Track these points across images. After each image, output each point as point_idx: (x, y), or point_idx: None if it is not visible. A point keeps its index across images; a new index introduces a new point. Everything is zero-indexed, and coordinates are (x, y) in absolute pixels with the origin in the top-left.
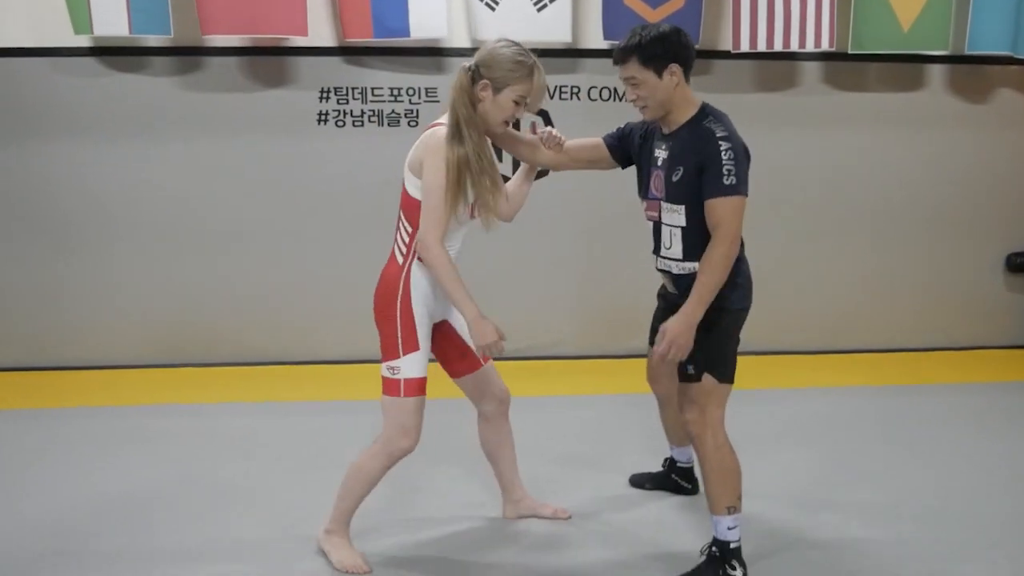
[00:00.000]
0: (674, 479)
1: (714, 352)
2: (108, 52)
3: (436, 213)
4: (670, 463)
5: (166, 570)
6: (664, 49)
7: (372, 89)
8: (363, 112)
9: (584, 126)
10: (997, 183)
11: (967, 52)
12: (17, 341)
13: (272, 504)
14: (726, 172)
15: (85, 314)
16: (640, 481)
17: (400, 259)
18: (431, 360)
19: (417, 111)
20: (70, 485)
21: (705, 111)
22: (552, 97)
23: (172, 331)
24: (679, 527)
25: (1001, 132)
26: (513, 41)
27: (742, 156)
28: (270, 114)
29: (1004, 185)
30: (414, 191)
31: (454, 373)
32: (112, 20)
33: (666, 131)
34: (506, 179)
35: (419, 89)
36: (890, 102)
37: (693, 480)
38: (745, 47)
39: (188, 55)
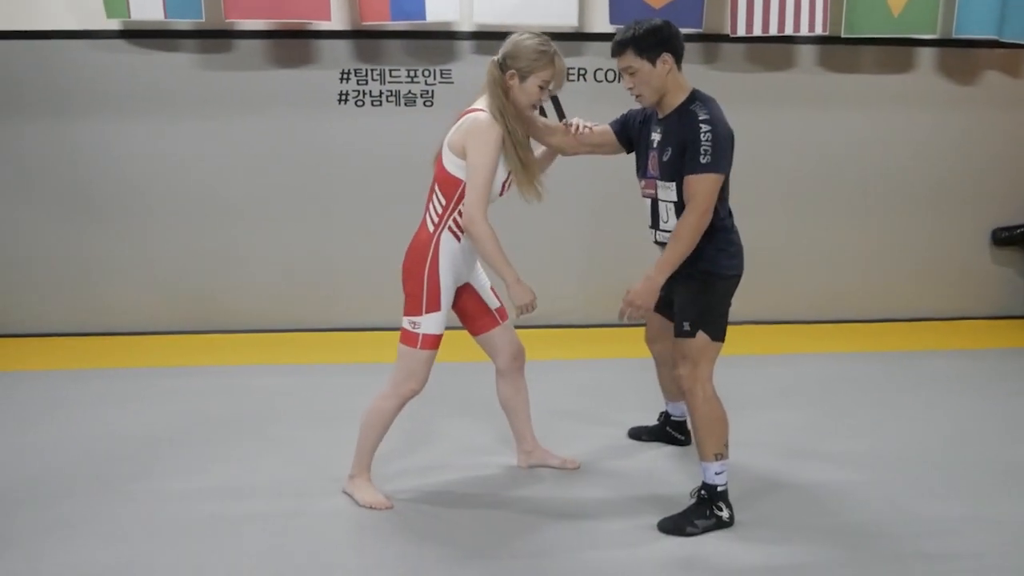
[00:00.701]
0: (668, 431)
1: (708, 313)
2: (138, 35)
3: (481, 191)
4: (665, 416)
5: (202, 503)
6: (656, 40)
7: (390, 70)
8: (381, 92)
9: (590, 107)
10: (983, 160)
11: (955, 36)
12: (51, 309)
13: (299, 450)
14: (703, 152)
15: (117, 284)
16: (637, 433)
17: (431, 227)
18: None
19: (433, 92)
20: (106, 430)
21: (694, 96)
22: None
23: (198, 300)
24: (672, 474)
25: (987, 112)
26: (534, 32)
27: (722, 137)
28: (293, 94)
29: (989, 162)
30: (454, 169)
31: (474, 331)
32: (148, 5)
33: (660, 115)
34: None
35: (434, 71)
36: (882, 84)
37: (685, 432)
38: (742, 31)
39: (216, 38)
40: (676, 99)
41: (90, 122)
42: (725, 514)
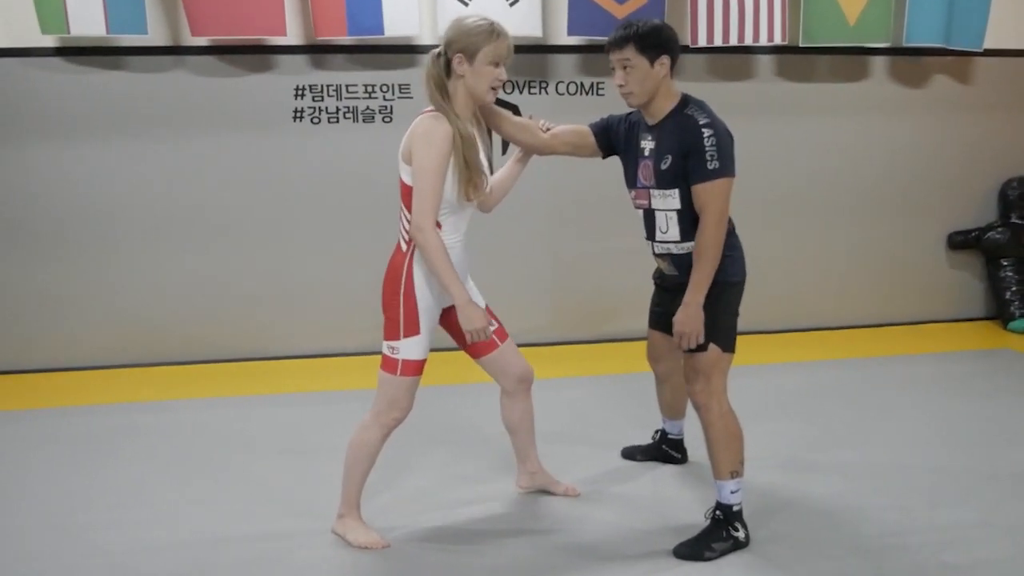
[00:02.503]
0: (664, 449)
1: (717, 323)
2: (78, 52)
3: (427, 194)
4: (661, 435)
5: (181, 554)
6: (659, 40)
7: (347, 86)
8: (338, 109)
9: (553, 118)
10: (937, 165)
11: (905, 44)
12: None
13: (274, 488)
14: (709, 157)
15: (62, 316)
16: (631, 453)
17: (404, 247)
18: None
19: (391, 107)
20: (70, 479)
21: (687, 101)
22: (521, 91)
23: (153, 331)
24: (677, 495)
25: (938, 117)
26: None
27: (725, 139)
28: (245, 112)
29: (943, 167)
30: (407, 178)
31: (473, 354)
32: (89, 19)
33: (651, 122)
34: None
35: (393, 86)
36: (838, 92)
37: (682, 450)
38: (703, 42)
39: (163, 55)
40: (667, 105)
41: (25, 146)
42: (741, 535)
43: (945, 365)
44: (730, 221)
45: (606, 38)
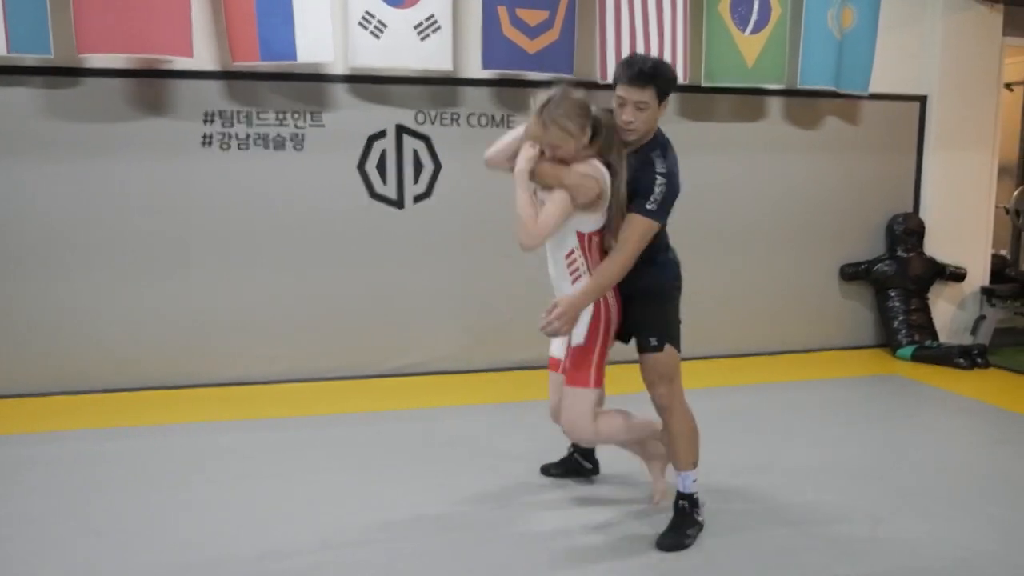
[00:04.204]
0: (576, 459)
1: (671, 324)
2: None
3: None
4: (574, 446)
5: None
6: (671, 84)
7: (258, 112)
8: (248, 135)
9: (464, 151)
10: (829, 201)
11: (799, 86)
12: None
13: (230, 517)
14: (652, 200)
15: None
16: (547, 469)
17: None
18: None
19: (303, 135)
20: (37, 508)
21: (657, 138)
22: (433, 123)
23: (52, 358)
24: (613, 501)
25: (830, 156)
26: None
27: (671, 192)
28: (152, 136)
29: (835, 202)
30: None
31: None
32: None
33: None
34: None
35: (305, 113)
36: (737, 130)
37: (594, 460)
38: (611, 79)
39: (66, 75)
40: (647, 138)
41: None
42: (702, 518)
43: (838, 391)
44: (667, 235)
45: (518, 72)
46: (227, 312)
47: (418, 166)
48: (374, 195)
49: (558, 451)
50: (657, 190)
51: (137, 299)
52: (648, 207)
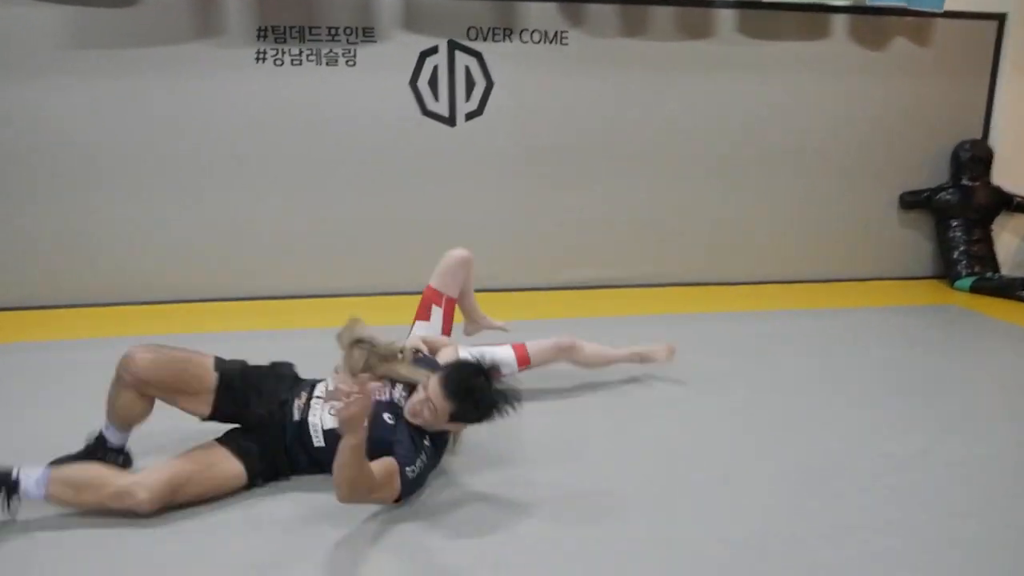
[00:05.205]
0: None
1: None
2: None
3: None
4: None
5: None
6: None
7: (310, 28)
8: (301, 52)
9: (517, 67)
10: (892, 126)
11: (868, 3)
12: None
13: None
14: (412, 469)
15: (44, 255)
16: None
17: None
18: None
19: (355, 51)
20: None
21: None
22: (486, 39)
23: (117, 271)
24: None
25: (895, 79)
26: None
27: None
28: (207, 54)
29: (898, 127)
30: None
31: None
32: None
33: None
34: None
35: (357, 29)
36: (800, 50)
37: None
38: None
39: None
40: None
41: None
42: None
43: (892, 318)
44: None
45: None
46: (279, 229)
47: (470, 83)
48: (425, 112)
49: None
50: (418, 463)
51: (192, 216)
52: (407, 472)
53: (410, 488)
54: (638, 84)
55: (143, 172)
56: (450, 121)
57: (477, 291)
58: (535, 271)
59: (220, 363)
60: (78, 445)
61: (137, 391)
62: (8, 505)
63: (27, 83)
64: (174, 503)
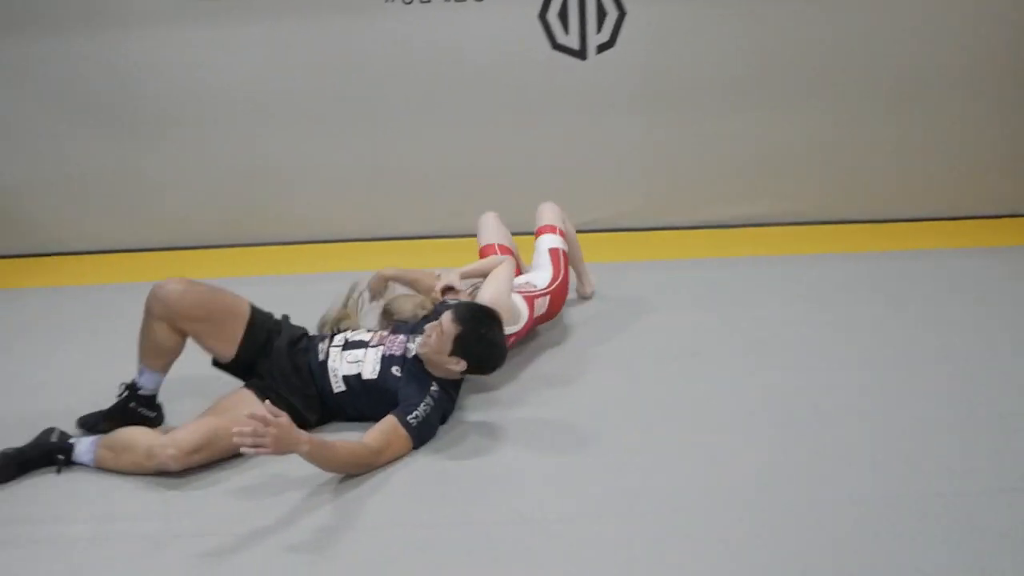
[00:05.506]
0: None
1: None
2: None
3: None
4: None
5: None
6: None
7: None
8: None
9: None
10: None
11: None
12: (99, 225)
13: None
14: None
15: (163, 198)
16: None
17: None
18: None
19: None
20: None
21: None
22: None
23: (247, 212)
24: None
25: None
26: None
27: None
28: None
29: None
30: None
31: None
32: None
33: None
34: None
35: None
36: None
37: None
38: None
39: None
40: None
41: (125, 33)
42: None
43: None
44: None
45: None
46: (407, 167)
47: (601, 13)
48: (556, 46)
49: None
50: (421, 408)
51: (325, 156)
52: (410, 420)
53: (418, 433)
54: (789, 7)
55: (279, 113)
56: (581, 54)
57: (616, 230)
58: (672, 209)
59: (252, 305)
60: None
61: (168, 323)
62: (59, 470)
63: (156, 29)
64: (207, 460)
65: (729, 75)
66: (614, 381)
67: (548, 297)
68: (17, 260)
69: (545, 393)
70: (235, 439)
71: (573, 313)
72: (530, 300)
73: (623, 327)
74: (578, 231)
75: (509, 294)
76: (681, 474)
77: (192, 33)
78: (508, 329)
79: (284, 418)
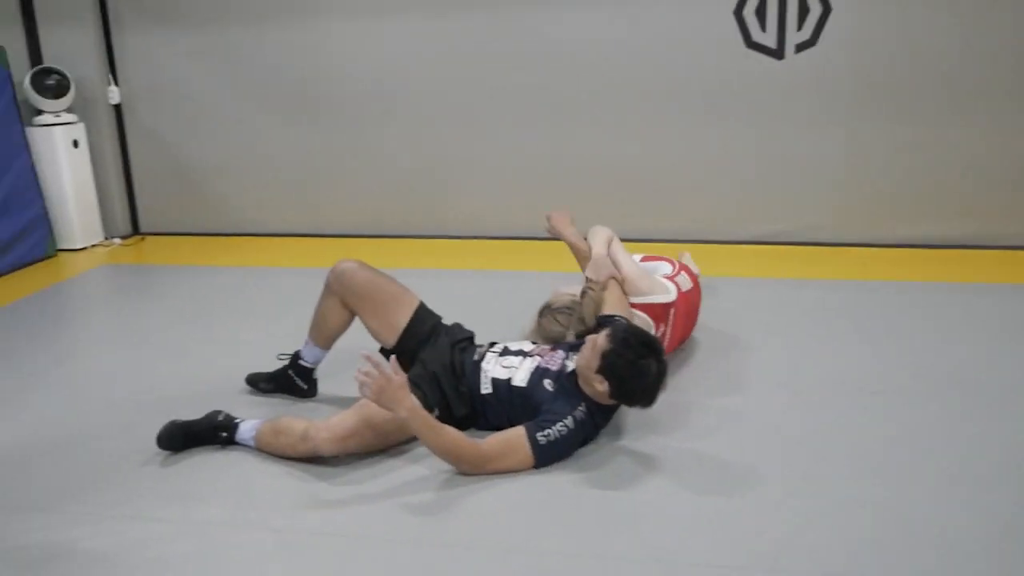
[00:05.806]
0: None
1: None
2: None
3: None
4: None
5: None
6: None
7: None
8: None
9: None
10: None
11: None
12: (286, 210)
13: None
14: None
15: (345, 186)
16: (255, 380)
17: None
18: None
19: None
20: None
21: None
22: None
23: (426, 204)
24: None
25: None
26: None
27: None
28: None
29: None
30: None
31: None
32: None
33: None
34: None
35: None
36: None
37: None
38: None
39: None
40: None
41: (327, 23)
42: None
43: None
44: None
45: None
46: (598, 161)
47: (803, 9)
48: (751, 44)
49: None
50: (557, 428)
51: (507, 150)
52: (539, 437)
53: (543, 452)
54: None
55: (425, 107)
56: (778, 54)
57: (798, 244)
58: (867, 225)
59: (422, 301)
60: None
61: (339, 299)
62: (223, 445)
63: (355, 23)
64: (360, 447)
65: (946, 78)
66: (785, 414)
67: (684, 273)
68: (209, 238)
69: (708, 421)
70: (356, 374)
71: (743, 334)
72: (670, 278)
73: (800, 351)
74: (758, 242)
75: (633, 263)
76: (849, 532)
77: (387, 25)
78: (656, 298)
79: (400, 378)
